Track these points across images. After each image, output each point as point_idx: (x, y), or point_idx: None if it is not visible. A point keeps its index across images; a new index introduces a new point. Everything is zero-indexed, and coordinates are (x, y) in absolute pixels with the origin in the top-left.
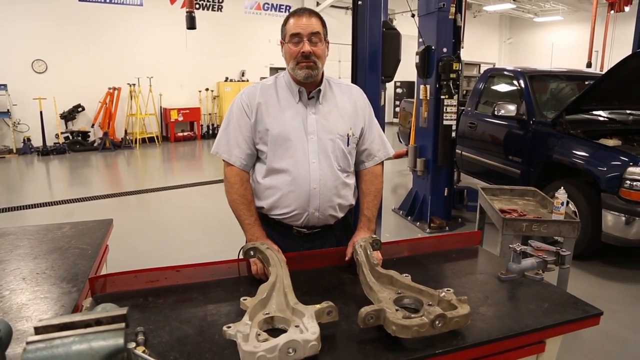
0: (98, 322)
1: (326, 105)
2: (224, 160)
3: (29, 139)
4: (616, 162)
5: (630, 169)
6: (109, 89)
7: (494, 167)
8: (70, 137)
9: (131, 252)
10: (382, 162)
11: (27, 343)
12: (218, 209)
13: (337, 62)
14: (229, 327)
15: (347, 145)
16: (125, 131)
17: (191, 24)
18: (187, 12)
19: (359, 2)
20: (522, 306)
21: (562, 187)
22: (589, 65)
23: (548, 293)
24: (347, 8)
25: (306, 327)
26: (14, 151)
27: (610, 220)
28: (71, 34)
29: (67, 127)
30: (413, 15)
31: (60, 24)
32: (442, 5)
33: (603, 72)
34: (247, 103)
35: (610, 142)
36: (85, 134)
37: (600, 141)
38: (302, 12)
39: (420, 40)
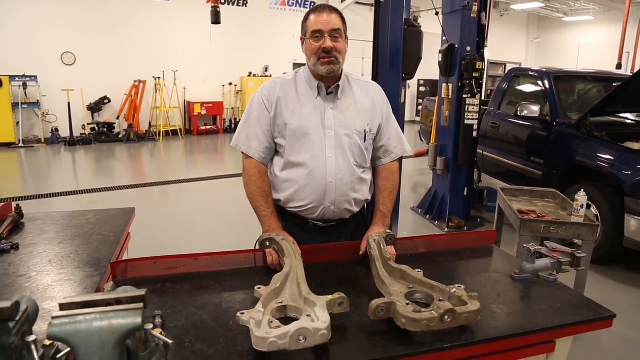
0: (118, 301)
1: (344, 100)
2: (243, 153)
3: (56, 129)
4: None
5: None
6: (135, 81)
7: (515, 168)
8: (96, 128)
9: (151, 241)
10: (400, 159)
11: (53, 318)
12: (238, 202)
13: (361, 59)
14: (243, 313)
15: (364, 141)
16: (150, 123)
17: (216, 18)
18: (212, 7)
19: (382, 0)
20: (533, 305)
21: (582, 190)
22: (619, 66)
23: (561, 294)
24: (371, 5)
25: (317, 317)
26: (43, 141)
27: (634, 225)
28: (99, 27)
29: (93, 119)
30: (437, 13)
31: (89, 17)
32: (467, 3)
33: (631, 74)
34: (267, 97)
35: (636, 146)
36: (110, 126)
37: (625, 144)
38: (323, 9)
39: (444, 38)
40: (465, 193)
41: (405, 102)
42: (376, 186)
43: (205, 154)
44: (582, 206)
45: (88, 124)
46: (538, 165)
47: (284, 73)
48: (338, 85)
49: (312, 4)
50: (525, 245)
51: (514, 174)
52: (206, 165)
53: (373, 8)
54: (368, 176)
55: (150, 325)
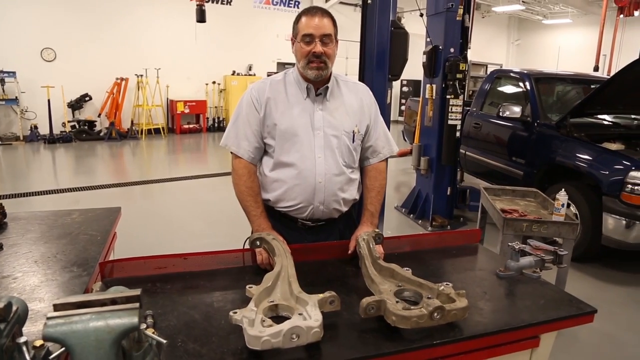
0: (113, 301)
1: (333, 102)
2: (232, 153)
3: (36, 127)
4: (618, 166)
5: (632, 173)
6: (117, 79)
7: (497, 168)
8: (77, 126)
9: (135, 241)
10: (386, 159)
11: (48, 318)
12: (221, 201)
13: (345, 59)
14: (235, 312)
15: (353, 142)
16: (132, 122)
17: (201, 16)
18: (197, 4)
19: (369, 1)
20: (518, 302)
21: (562, 189)
22: (596, 69)
23: (544, 290)
24: (356, 5)
25: (309, 315)
26: (21, 138)
27: (611, 223)
28: (81, 23)
29: (74, 116)
30: (422, 15)
31: (70, 12)
32: (451, 5)
33: (609, 77)
34: (256, 98)
35: (614, 146)
36: (91, 124)
37: (603, 145)
38: (315, 12)
39: (428, 39)
40: (448, 192)
41: (391, 102)
42: (364, 186)
43: (188, 153)
44: (563, 205)
45: (68, 121)
46: (519, 165)
47: (268, 72)
48: (327, 87)
49: (297, 3)
50: (509, 244)
51: (496, 173)
52: (189, 164)
53: (358, 8)
54: (356, 176)
55: (144, 325)
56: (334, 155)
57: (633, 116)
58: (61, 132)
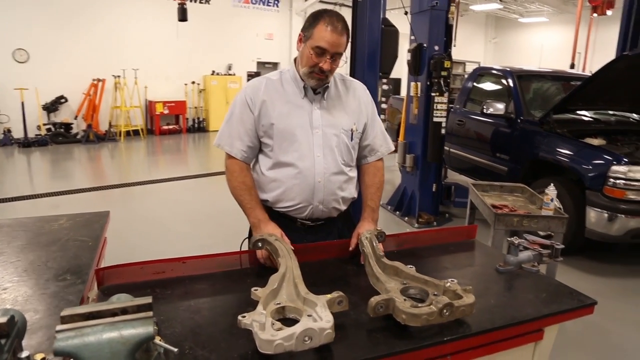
0: (124, 311)
1: (331, 100)
2: (226, 152)
3: (9, 130)
4: (601, 161)
5: (614, 168)
6: (93, 80)
7: (481, 164)
8: (53, 129)
9: (121, 245)
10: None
11: (57, 332)
12: (204, 202)
13: None
14: (244, 316)
15: (351, 140)
16: (110, 123)
17: (183, 15)
18: (179, 3)
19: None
20: (521, 296)
21: (552, 184)
22: (572, 66)
23: (544, 284)
24: (334, 3)
25: (320, 316)
26: None
27: (594, 216)
28: (55, 23)
29: (49, 119)
30: (406, 13)
31: (44, 12)
32: (435, 3)
33: (586, 74)
34: (251, 97)
35: (595, 142)
36: (68, 126)
37: (585, 140)
38: (337, 25)
39: (412, 37)
40: (433, 189)
41: (380, 100)
42: (363, 183)
43: (168, 154)
44: (552, 200)
45: (44, 124)
46: (503, 161)
47: (248, 72)
48: (326, 86)
49: (276, 2)
50: (509, 239)
51: (480, 169)
52: (170, 165)
53: (341, 7)
54: (354, 174)
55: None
56: (332, 154)
57: (611, 112)
58: (36, 135)
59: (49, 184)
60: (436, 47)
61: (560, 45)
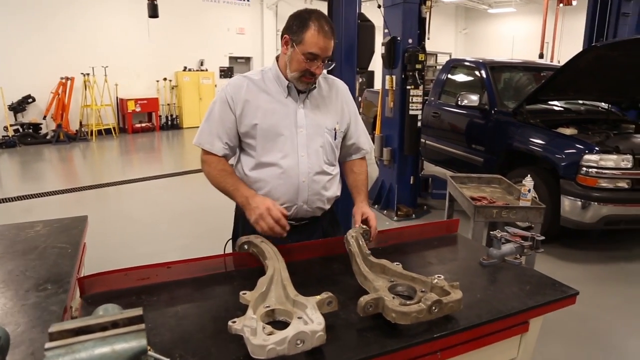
0: (114, 324)
1: (314, 99)
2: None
3: None
4: (573, 150)
5: (587, 157)
6: (62, 78)
7: (457, 156)
8: (21, 130)
9: (99, 249)
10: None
11: (46, 350)
12: (181, 200)
13: None
14: (234, 322)
15: (335, 139)
16: (80, 123)
17: (153, 11)
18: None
19: None
20: (505, 289)
21: (528, 175)
22: (541, 56)
23: (527, 276)
24: None
25: (311, 319)
26: None
27: (568, 205)
28: (20, 19)
29: (16, 119)
30: (379, 6)
31: (8, 8)
32: None
33: (555, 64)
34: (232, 96)
35: (568, 131)
36: (36, 126)
37: (558, 130)
38: (327, 30)
39: (386, 31)
40: (411, 182)
41: (358, 95)
42: (352, 173)
43: (142, 153)
44: (529, 190)
45: (11, 125)
46: (479, 152)
47: (220, 68)
48: (314, 87)
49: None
50: (492, 232)
51: (456, 161)
52: (144, 164)
53: (313, 2)
54: (337, 172)
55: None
56: (317, 154)
57: (581, 102)
58: (3, 136)
59: (20, 186)
60: (410, 40)
61: (529, 35)
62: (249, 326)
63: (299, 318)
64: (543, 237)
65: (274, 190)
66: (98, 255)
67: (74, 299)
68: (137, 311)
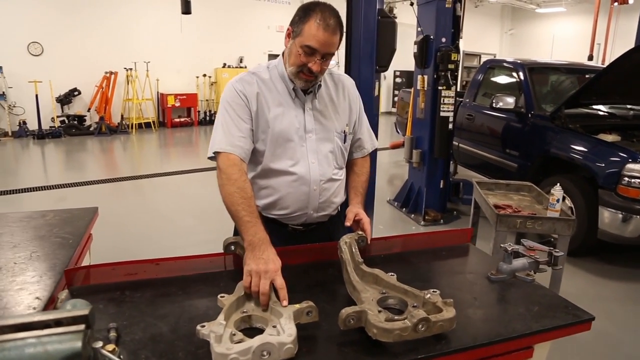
0: (58, 322)
1: (322, 100)
2: (216, 153)
3: (24, 122)
4: (615, 158)
5: (629, 166)
6: (106, 73)
7: (490, 160)
8: (66, 121)
9: (123, 238)
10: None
11: None
12: (212, 196)
13: None
14: (203, 326)
15: (344, 142)
16: (122, 116)
17: (186, 8)
18: None
19: None
20: (510, 309)
21: (558, 184)
22: (590, 58)
23: (538, 296)
24: None
25: (283, 329)
26: (10, 134)
27: (607, 217)
28: (68, 16)
29: (63, 111)
30: (412, 4)
31: (57, 6)
32: None
33: (604, 66)
34: (243, 92)
35: (610, 138)
36: (81, 118)
37: (599, 136)
38: (329, 21)
39: (419, 29)
40: (441, 186)
41: (380, 93)
42: (352, 172)
43: (180, 147)
44: (558, 200)
45: (57, 116)
46: (513, 157)
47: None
48: (319, 85)
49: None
50: (502, 245)
51: (490, 166)
52: (180, 158)
53: None
54: (344, 175)
55: (100, 343)
56: (327, 159)
57: (629, 106)
58: (50, 127)
59: (61, 175)
60: (443, 39)
61: (580, 36)
62: (215, 332)
63: (273, 327)
64: (562, 253)
65: (283, 198)
66: (117, 246)
67: (62, 291)
68: (84, 311)
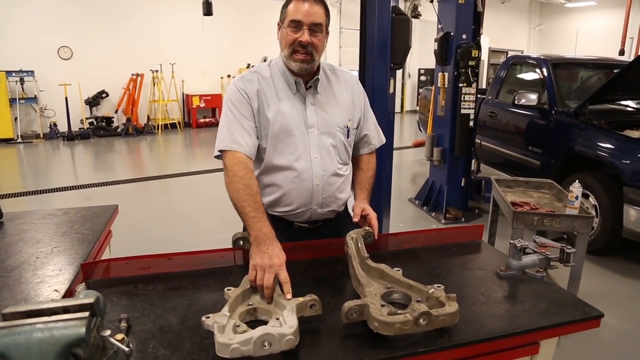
0: (65, 310)
1: (324, 95)
2: (222, 152)
3: (55, 124)
4: None
5: None
6: (132, 75)
7: (513, 158)
8: (95, 123)
9: (145, 236)
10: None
11: None
12: None
13: (338, 48)
14: (208, 317)
15: (347, 137)
16: (148, 117)
17: (207, 10)
18: None
19: None
20: (517, 305)
21: (576, 181)
22: (621, 52)
23: (547, 292)
24: None
25: (285, 321)
26: (41, 136)
27: (633, 215)
28: (96, 20)
29: (91, 113)
30: (432, 1)
31: (86, 11)
32: None
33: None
34: (244, 90)
35: (636, 134)
36: (109, 120)
37: (624, 132)
38: None
39: (440, 26)
40: (462, 184)
41: (404, 91)
42: (358, 169)
43: (205, 147)
44: (576, 197)
45: (86, 118)
46: (536, 154)
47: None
48: (317, 79)
49: None
50: (511, 241)
51: (512, 163)
52: (205, 158)
53: None
54: (350, 171)
55: (108, 332)
56: (330, 154)
57: None
58: (79, 129)
59: (90, 175)
60: (464, 36)
61: (612, 30)
62: (219, 323)
63: (276, 319)
64: (574, 250)
65: (287, 194)
66: (139, 243)
67: (80, 284)
68: (89, 299)
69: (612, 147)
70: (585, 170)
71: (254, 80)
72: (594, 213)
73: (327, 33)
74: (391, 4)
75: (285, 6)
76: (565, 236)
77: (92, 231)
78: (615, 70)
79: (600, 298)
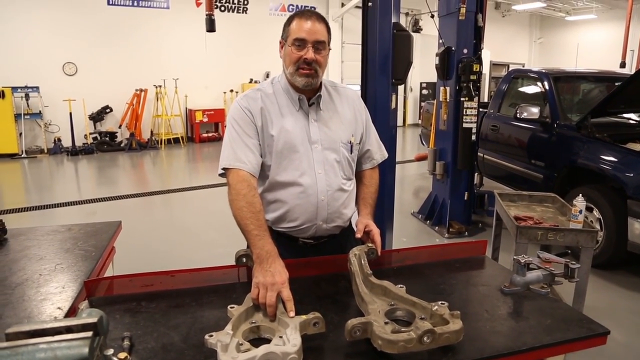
0: (69, 329)
1: (327, 111)
2: (226, 169)
3: (59, 139)
4: None
5: None
6: (136, 90)
7: (516, 172)
8: (99, 138)
9: (148, 251)
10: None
11: None
12: None
13: (340, 63)
14: (211, 335)
15: (351, 153)
16: (151, 132)
17: (211, 26)
18: (206, 14)
19: (369, 4)
20: (522, 322)
21: (580, 195)
22: (622, 65)
23: (552, 309)
24: None
25: (288, 339)
26: (45, 151)
27: (637, 228)
28: (100, 37)
29: (95, 128)
30: (432, 16)
31: (90, 27)
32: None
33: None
34: (247, 108)
35: (638, 147)
36: (112, 135)
37: (627, 145)
38: (310, 15)
39: (441, 41)
40: (465, 197)
41: (406, 106)
42: (361, 185)
43: (207, 162)
44: (580, 211)
45: (90, 133)
46: (539, 168)
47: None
48: (319, 95)
49: (313, 9)
50: (515, 257)
51: (515, 177)
52: (208, 173)
53: None
54: (354, 186)
55: (111, 351)
56: (334, 170)
57: None
58: (83, 144)
59: (93, 190)
60: (465, 50)
61: (612, 43)
62: (222, 341)
63: (280, 337)
64: (578, 266)
65: (292, 210)
66: (142, 258)
67: (82, 301)
68: (93, 319)
69: (615, 160)
70: (588, 183)
71: (257, 98)
72: (598, 227)
73: (329, 49)
74: (392, 21)
75: (287, 24)
76: (569, 251)
77: (96, 248)
78: (616, 83)
79: (606, 313)
